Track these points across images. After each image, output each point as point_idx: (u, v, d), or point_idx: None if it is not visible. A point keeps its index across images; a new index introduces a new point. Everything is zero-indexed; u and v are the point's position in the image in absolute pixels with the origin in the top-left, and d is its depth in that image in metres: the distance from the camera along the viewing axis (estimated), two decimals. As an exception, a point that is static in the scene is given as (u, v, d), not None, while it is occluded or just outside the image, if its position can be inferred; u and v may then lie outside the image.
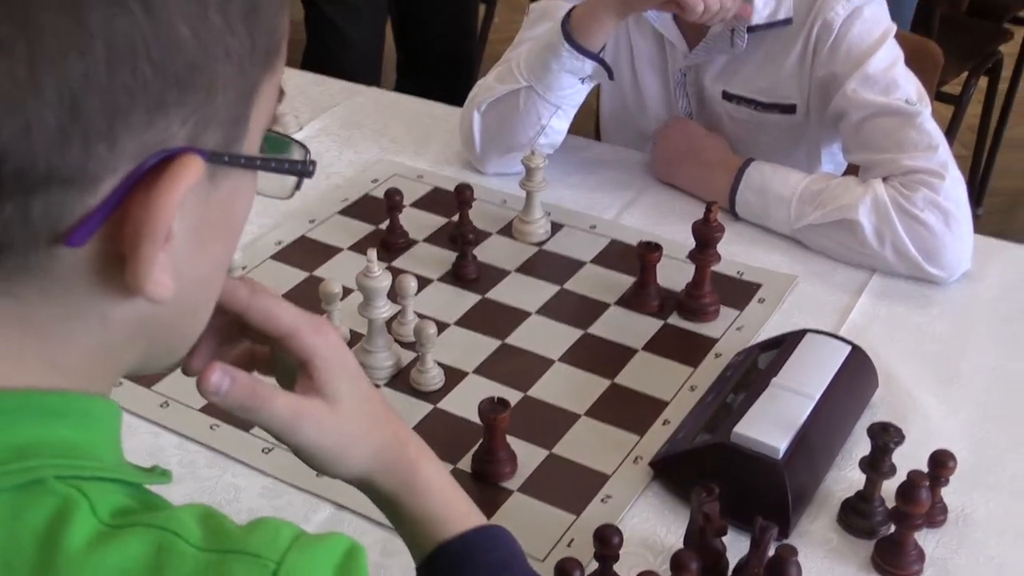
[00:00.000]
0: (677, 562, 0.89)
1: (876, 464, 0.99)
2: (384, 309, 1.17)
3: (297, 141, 0.67)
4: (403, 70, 2.72)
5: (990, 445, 1.10)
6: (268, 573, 0.54)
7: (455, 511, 0.81)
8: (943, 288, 1.31)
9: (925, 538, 0.99)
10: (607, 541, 0.91)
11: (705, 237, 1.25)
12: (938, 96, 2.67)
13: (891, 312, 1.28)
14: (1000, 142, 3.11)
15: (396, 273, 1.25)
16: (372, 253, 1.17)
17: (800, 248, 1.38)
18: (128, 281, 0.53)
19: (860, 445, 1.03)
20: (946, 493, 1.02)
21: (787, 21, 1.43)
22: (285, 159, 0.64)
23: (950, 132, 2.72)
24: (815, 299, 1.30)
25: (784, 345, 1.13)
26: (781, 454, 1.00)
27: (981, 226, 3.04)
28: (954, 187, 1.32)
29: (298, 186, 0.67)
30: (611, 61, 1.47)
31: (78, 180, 0.51)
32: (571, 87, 1.44)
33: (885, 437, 0.98)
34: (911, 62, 1.44)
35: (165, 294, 0.54)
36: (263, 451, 1.07)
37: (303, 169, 0.64)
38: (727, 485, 0.97)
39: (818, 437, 1.04)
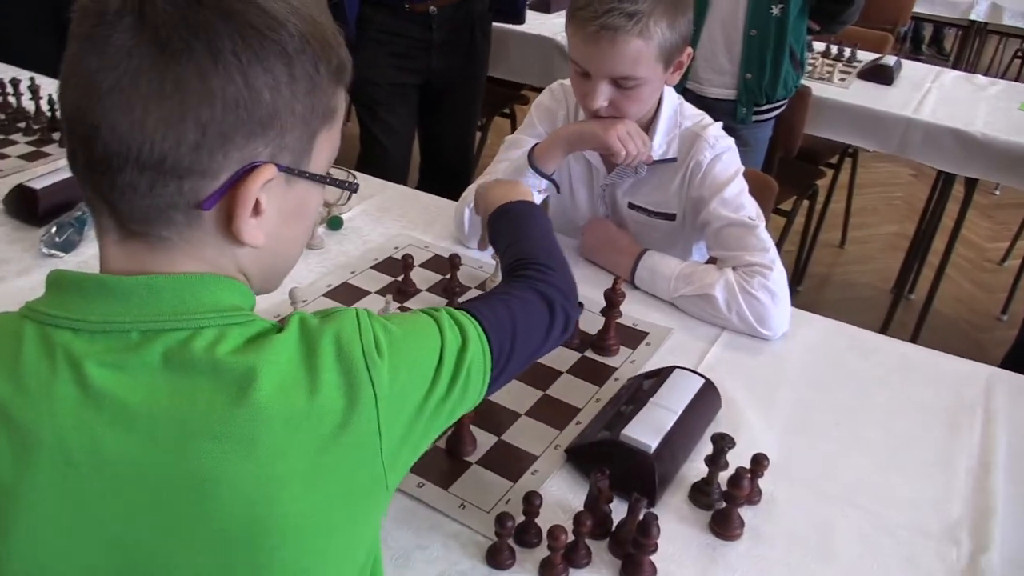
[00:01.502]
0: (577, 519, 0.88)
1: (715, 460, 0.97)
2: (394, 336, 1.16)
3: (352, 173, 0.76)
4: (423, 173, 2.70)
5: (792, 450, 1.09)
6: (353, 313, 0.67)
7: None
8: (768, 343, 1.30)
9: (745, 512, 0.98)
10: (530, 502, 0.90)
11: (611, 300, 1.24)
12: (776, 211, 2.69)
13: (733, 357, 1.26)
14: (816, 243, 3.14)
15: (405, 311, 1.25)
16: (390, 298, 1.16)
17: (676, 310, 1.36)
18: (233, 232, 0.63)
19: (706, 446, 1.00)
20: (762, 482, 1.00)
21: (674, 159, 1.43)
22: (331, 178, 0.70)
23: (783, 235, 2.74)
24: (684, 345, 1.28)
25: (660, 376, 1.12)
26: (652, 449, 0.98)
27: (800, 297, 3.08)
28: (779, 276, 1.31)
29: (348, 198, 0.78)
30: (557, 178, 1.46)
31: (206, 173, 0.60)
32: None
33: (722, 443, 0.96)
34: (756, 190, 1.43)
35: (255, 242, 0.64)
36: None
37: (347, 186, 0.75)
38: (616, 467, 0.96)
39: (678, 439, 1.03)
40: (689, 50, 1.35)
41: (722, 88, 2.24)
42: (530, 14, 2.89)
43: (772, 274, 1.30)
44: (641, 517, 0.88)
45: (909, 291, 3.07)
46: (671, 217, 1.48)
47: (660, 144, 1.42)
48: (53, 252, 1.41)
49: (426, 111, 2.52)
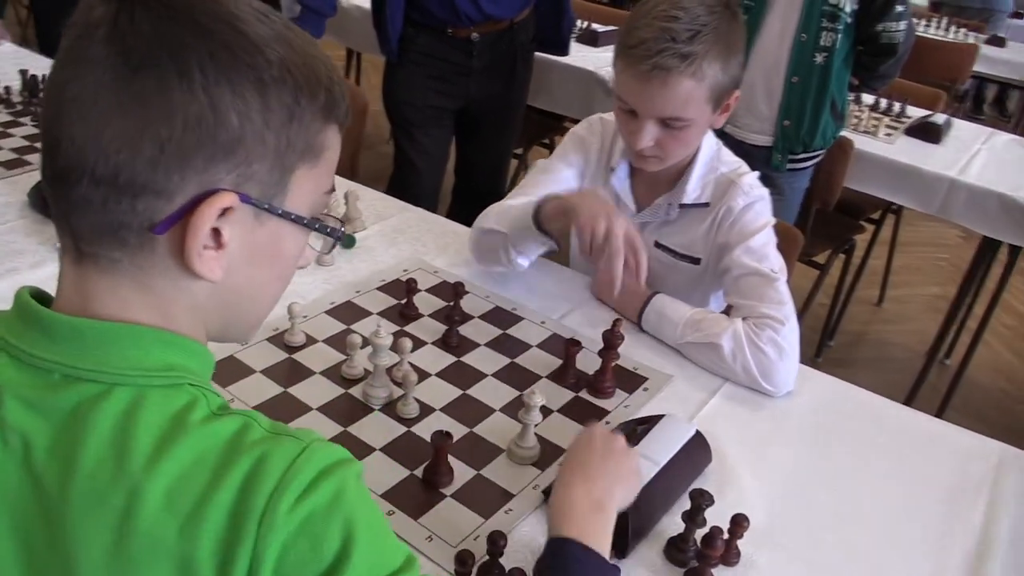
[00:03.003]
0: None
1: (692, 517, 0.95)
2: (385, 359, 1.14)
3: (340, 220, 0.72)
4: (455, 195, 2.71)
5: (781, 513, 1.05)
6: (300, 447, 0.57)
7: (575, 525, 0.84)
8: (771, 399, 1.26)
9: (722, 573, 0.95)
10: (495, 542, 0.88)
11: (609, 342, 1.22)
12: (809, 263, 2.66)
13: (733, 410, 1.23)
14: (851, 299, 3.07)
15: (405, 335, 1.24)
16: (383, 321, 1.15)
17: (679, 357, 1.33)
18: (185, 260, 0.59)
19: (689, 501, 0.97)
20: (744, 545, 0.97)
21: (706, 204, 1.41)
22: (307, 219, 0.64)
23: (815, 288, 2.69)
24: (682, 393, 1.25)
25: (649, 423, 1.10)
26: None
27: (831, 353, 3.02)
28: (790, 332, 1.27)
29: (333, 247, 0.72)
30: None
31: (161, 194, 0.57)
32: (532, 248, 1.40)
33: (700, 499, 0.94)
34: (782, 241, 1.40)
35: (210, 275, 0.60)
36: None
37: (329, 232, 0.67)
38: None
39: (658, 492, 1.00)
40: (737, 92, 1.33)
41: (760, 134, 2.22)
42: (575, 47, 2.90)
43: (783, 329, 1.27)
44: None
45: (945, 356, 2.99)
46: (696, 261, 1.46)
47: (694, 188, 1.41)
48: None
49: (462, 136, 2.53)
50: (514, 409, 1.16)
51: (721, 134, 2.18)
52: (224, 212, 0.58)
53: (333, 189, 0.68)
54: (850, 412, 1.27)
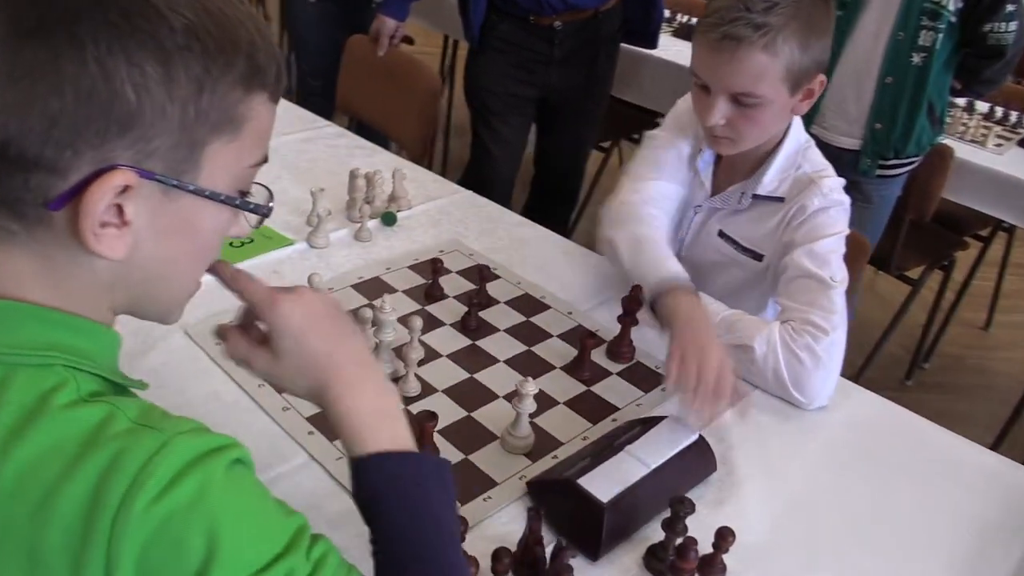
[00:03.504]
0: (495, 555, 0.82)
1: (672, 525, 0.88)
2: (389, 334, 1.12)
3: (268, 190, 0.67)
4: (533, 188, 2.67)
5: (784, 534, 0.97)
6: (160, 442, 0.54)
7: (374, 437, 0.68)
8: (800, 412, 1.17)
9: (701, 587, 0.88)
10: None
11: (628, 308, 1.20)
12: (900, 277, 2.49)
13: (755, 419, 1.15)
14: (952, 319, 2.86)
15: (425, 314, 1.23)
16: (388, 298, 1.13)
17: (708, 359, 1.25)
18: (79, 239, 0.56)
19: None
20: (734, 563, 0.90)
21: (780, 199, 1.33)
22: (224, 196, 0.60)
23: (906, 304, 2.52)
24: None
25: (649, 423, 1.03)
26: (606, 502, 0.90)
27: (925, 375, 2.81)
28: (832, 344, 1.17)
29: (261, 222, 0.67)
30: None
31: (54, 170, 0.54)
32: None
33: (679, 507, 0.87)
34: (848, 249, 1.29)
35: (110, 254, 0.57)
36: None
37: (251, 209, 0.63)
38: (569, 512, 0.90)
39: (644, 495, 0.94)
40: (822, 78, 1.24)
41: (849, 137, 2.08)
42: (670, 40, 2.82)
43: (824, 338, 1.17)
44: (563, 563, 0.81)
45: (1054, 389, 2.74)
46: (759, 257, 1.38)
47: (771, 179, 1.33)
48: None
49: (542, 125, 2.50)
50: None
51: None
52: (125, 189, 0.55)
53: (264, 160, 0.64)
54: (889, 434, 1.17)
